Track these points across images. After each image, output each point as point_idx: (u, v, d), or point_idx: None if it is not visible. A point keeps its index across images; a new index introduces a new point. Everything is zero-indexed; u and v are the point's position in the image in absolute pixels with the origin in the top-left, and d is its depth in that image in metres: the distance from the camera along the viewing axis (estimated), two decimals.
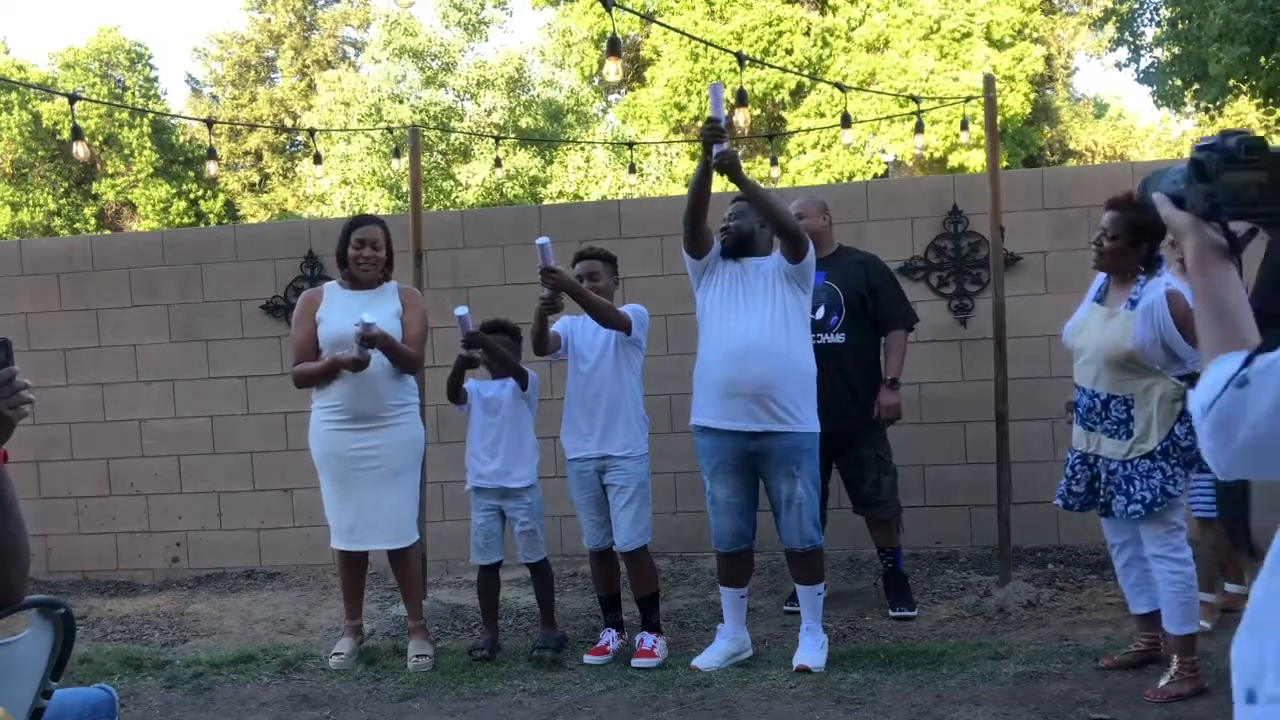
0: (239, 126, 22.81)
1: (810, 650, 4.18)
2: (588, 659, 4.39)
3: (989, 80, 5.13)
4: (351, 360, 4.23)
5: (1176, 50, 13.53)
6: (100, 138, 22.09)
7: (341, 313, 4.36)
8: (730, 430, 4.13)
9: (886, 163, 18.35)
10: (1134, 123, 29.42)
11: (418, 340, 4.44)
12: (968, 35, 18.14)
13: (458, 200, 20.32)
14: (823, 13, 19.45)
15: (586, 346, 4.41)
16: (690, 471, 4.41)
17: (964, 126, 10.11)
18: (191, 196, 23.19)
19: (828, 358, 4.46)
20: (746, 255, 4.20)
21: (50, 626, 2.13)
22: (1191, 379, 3.58)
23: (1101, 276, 3.84)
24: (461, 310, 4.34)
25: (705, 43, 11.88)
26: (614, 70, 4.73)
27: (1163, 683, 3.67)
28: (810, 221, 4.67)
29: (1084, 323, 3.81)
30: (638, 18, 17.39)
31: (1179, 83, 14.02)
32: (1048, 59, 21.09)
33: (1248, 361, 1.25)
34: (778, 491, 4.13)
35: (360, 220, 4.58)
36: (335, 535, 4.49)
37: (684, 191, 4.73)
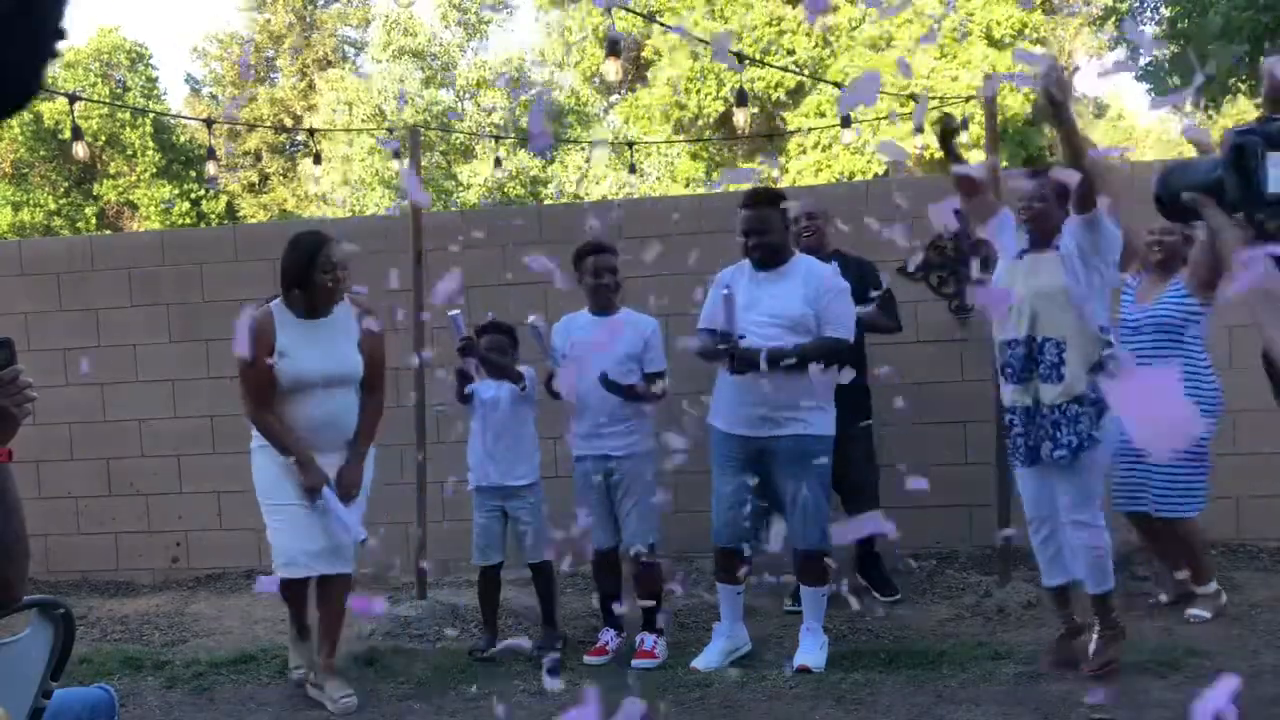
0: (239, 126, 22.80)
1: (810, 650, 4.18)
2: (587, 659, 4.39)
3: (989, 80, 5.13)
4: (308, 487, 3.96)
5: (1175, 49, 13.53)
6: (102, 138, 22.09)
7: (307, 347, 4.00)
8: (740, 433, 4.16)
9: (887, 163, 18.33)
10: (1134, 123, 29.41)
11: (380, 371, 4.17)
12: (967, 35, 18.14)
13: (461, 200, 20.32)
14: (823, 13, 19.43)
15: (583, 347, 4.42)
16: (691, 471, 4.40)
17: (964, 126, 10.10)
18: (193, 196, 23.18)
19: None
20: (778, 265, 4.20)
21: (50, 626, 2.13)
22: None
23: (1014, 238, 3.95)
24: (454, 313, 4.25)
25: (705, 42, 11.89)
26: (614, 70, 4.74)
27: (1092, 651, 3.86)
28: (824, 224, 4.81)
29: (1010, 276, 3.91)
30: (640, 18, 17.39)
31: (1178, 82, 14.02)
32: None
33: None
34: (785, 491, 4.13)
35: (323, 238, 4.06)
36: (294, 564, 4.06)
37: (685, 191, 4.71)
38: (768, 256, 4.16)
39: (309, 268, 3.97)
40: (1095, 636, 3.89)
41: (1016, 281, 3.88)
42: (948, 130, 4.01)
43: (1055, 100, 3.45)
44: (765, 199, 4.22)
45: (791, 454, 4.08)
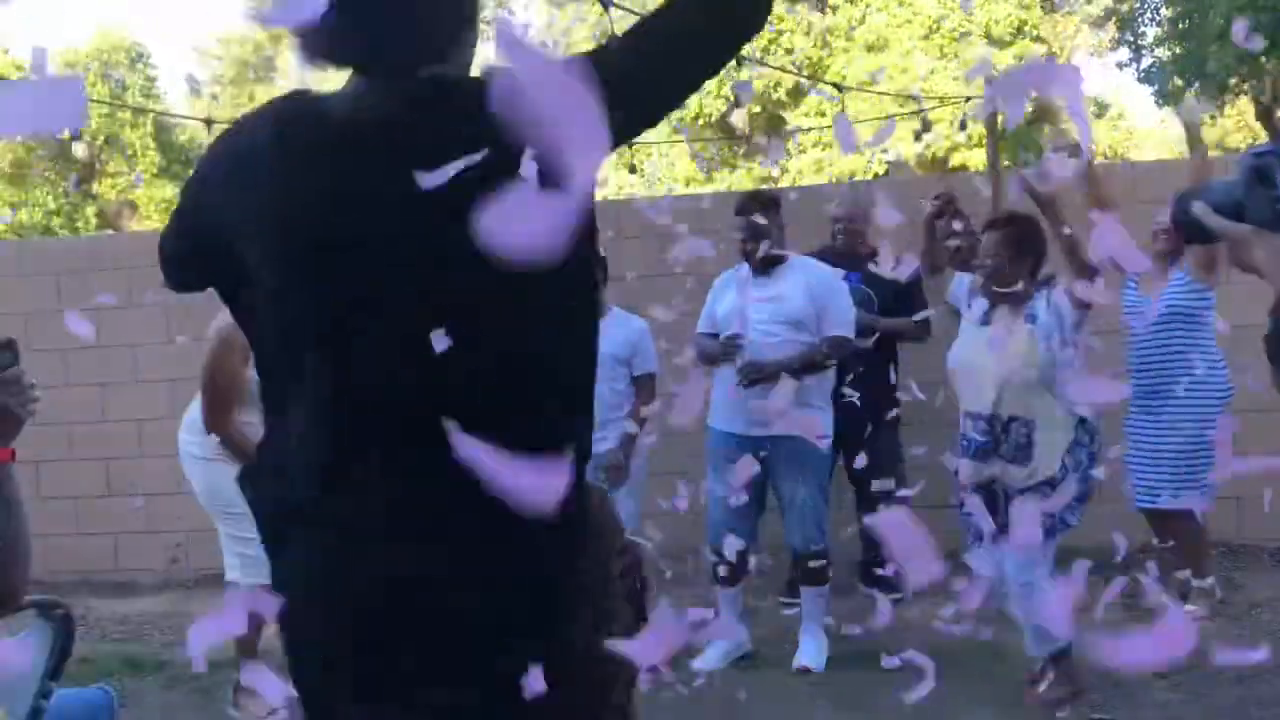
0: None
1: (810, 651, 4.18)
2: None
3: (989, 80, 5.13)
4: None
5: (1178, 49, 13.54)
6: (101, 137, 22.08)
7: None
8: (738, 433, 4.15)
9: (887, 162, 18.34)
10: (1134, 123, 29.40)
11: None
12: (967, 35, 18.14)
13: None
14: (823, 13, 19.44)
15: None
16: (690, 471, 4.40)
17: (962, 126, 10.11)
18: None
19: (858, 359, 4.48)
20: (775, 268, 4.21)
21: (50, 627, 2.13)
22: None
23: (971, 297, 3.78)
24: None
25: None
26: None
27: (1042, 687, 3.73)
28: (862, 225, 4.76)
29: (974, 346, 3.70)
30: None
31: (1180, 82, 14.03)
32: (1049, 58, 21.07)
33: None
34: (782, 493, 4.14)
35: None
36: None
37: (684, 191, 4.71)
38: (765, 259, 4.17)
39: None
40: (1050, 678, 3.73)
41: (980, 352, 3.62)
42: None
43: (1039, 197, 3.38)
44: (761, 202, 4.22)
45: (790, 454, 4.08)
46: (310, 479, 1.34)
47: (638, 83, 1.35)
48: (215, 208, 1.40)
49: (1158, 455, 4.51)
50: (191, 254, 1.50)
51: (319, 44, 1.35)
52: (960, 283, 3.91)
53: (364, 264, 1.29)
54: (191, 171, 1.46)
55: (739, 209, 4.24)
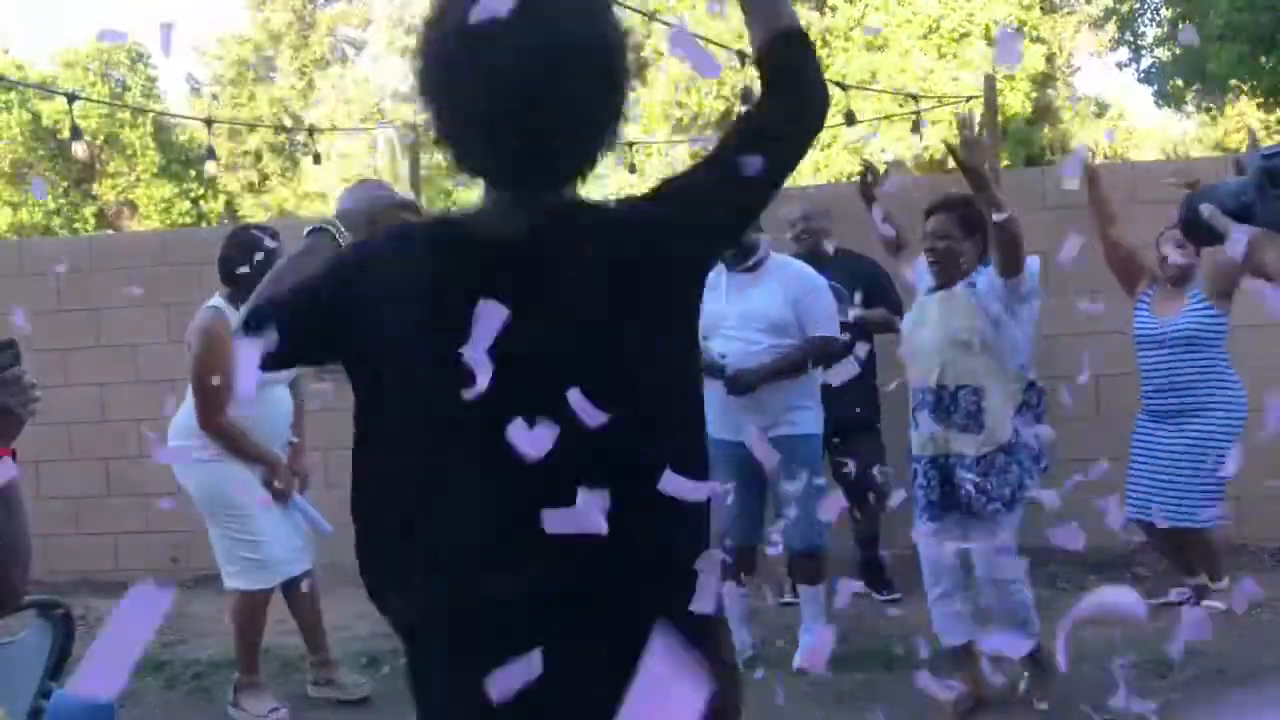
0: (238, 126, 22.80)
1: (810, 650, 4.18)
2: None
3: (989, 80, 5.14)
4: (283, 490, 3.97)
5: (1177, 50, 13.54)
6: (101, 137, 22.08)
7: None
8: (729, 438, 4.15)
9: (886, 162, 18.34)
10: (1134, 123, 29.41)
11: None
12: (967, 35, 18.14)
13: (463, 200, 20.31)
14: (822, 13, 19.44)
15: None
16: None
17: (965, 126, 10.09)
18: (193, 196, 23.18)
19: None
20: (753, 266, 4.21)
21: (49, 627, 2.13)
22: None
23: (927, 275, 3.77)
24: None
25: (707, 40, 11.89)
26: None
27: (1023, 688, 3.70)
28: (821, 226, 4.77)
29: (921, 318, 3.70)
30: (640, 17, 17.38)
31: (1180, 83, 14.03)
32: (1049, 58, 21.09)
33: None
34: (777, 492, 4.14)
35: (267, 232, 4.10)
36: (286, 563, 4.07)
37: None
38: (740, 256, 4.17)
39: (266, 263, 3.93)
40: (1025, 676, 3.72)
41: (926, 324, 3.65)
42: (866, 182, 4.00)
43: (969, 168, 3.31)
44: None
45: (784, 454, 4.06)
46: (479, 567, 1.38)
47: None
48: (352, 301, 1.44)
49: (1167, 475, 4.49)
50: (304, 331, 1.51)
51: (467, 160, 1.43)
52: (921, 272, 3.85)
53: (506, 365, 1.33)
54: (329, 263, 1.51)
55: None
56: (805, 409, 4.15)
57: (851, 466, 4.65)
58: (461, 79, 1.36)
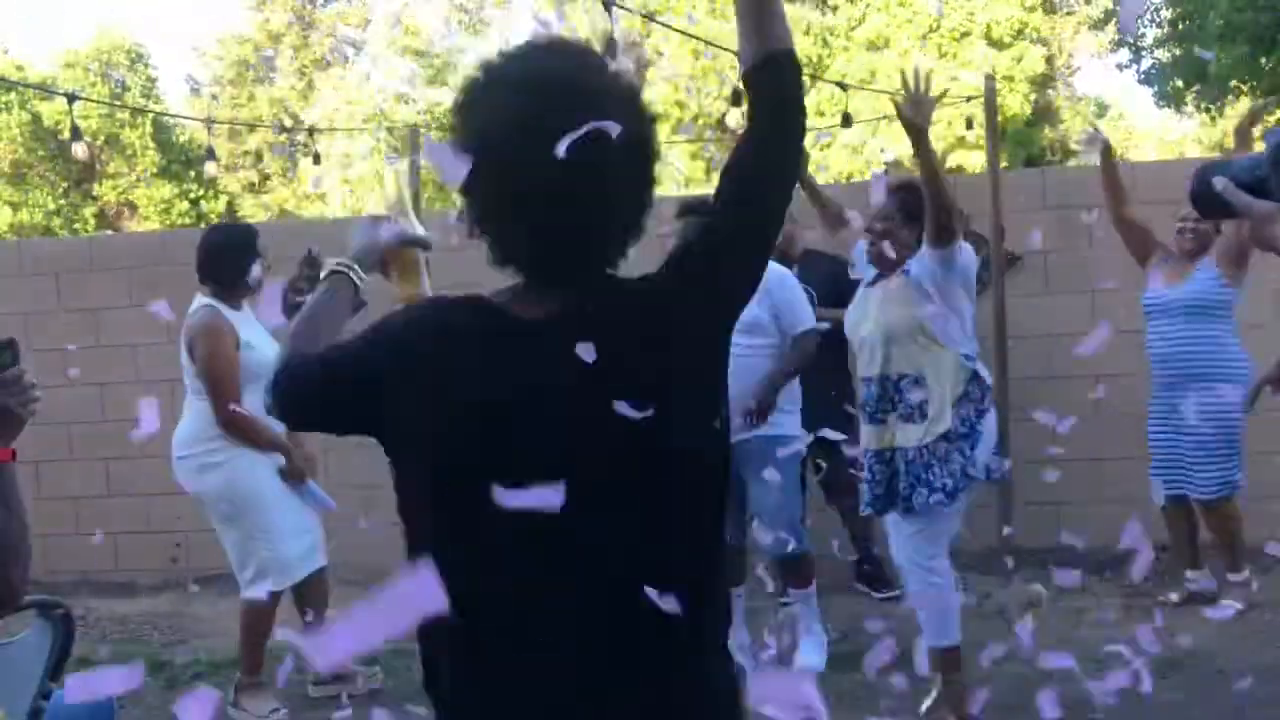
0: (238, 126, 22.80)
1: (810, 651, 4.18)
2: None
3: (989, 80, 5.14)
4: (298, 475, 4.00)
5: (1178, 51, 13.54)
6: (101, 137, 22.08)
7: (258, 336, 4.03)
8: None
9: (886, 162, 18.33)
10: (1134, 124, 29.42)
11: None
12: (967, 35, 18.15)
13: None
14: (823, 13, 19.46)
15: None
16: None
17: (969, 126, 10.08)
18: (192, 197, 23.18)
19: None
20: None
21: (50, 627, 2.13)
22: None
23: (869, 270, 3.75)
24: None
25: (707, 42, 11.89)
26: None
27: (924, 706, 3.62)
28: (791, 227, 4.75)
29: (863, 312, 3.68)
30: (639, 17, 17.39)
31: (1180, 84, 14.02)
32: (1048, 59, 21.10)
33: None
34: (757, 495, 4.09)
35: (253, 230, 4.23)
36: (307, 558, 4.09)
37: (686, 191, 4.69)
38: None
39: (250, 260, 4.04)
40: (935, 693, 3.62)
41: (868, 316, 3.62)
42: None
43: (911, 124, 3.29)
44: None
45: (760, 456, 3.98)
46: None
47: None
48: (381, 375, 1.42)
49: (1193, 445, 4.51)
50: (332, 403, 1.50)
51: (508, 254, 1.44)
52: (860, 251, 3.82)
53: (539, 440, 1.35)
54: (356, 338, 1.49)
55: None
56: (784, 411, 4.11)
57: (827, 467, 4.67)
58: (511, 177, 1.35)
